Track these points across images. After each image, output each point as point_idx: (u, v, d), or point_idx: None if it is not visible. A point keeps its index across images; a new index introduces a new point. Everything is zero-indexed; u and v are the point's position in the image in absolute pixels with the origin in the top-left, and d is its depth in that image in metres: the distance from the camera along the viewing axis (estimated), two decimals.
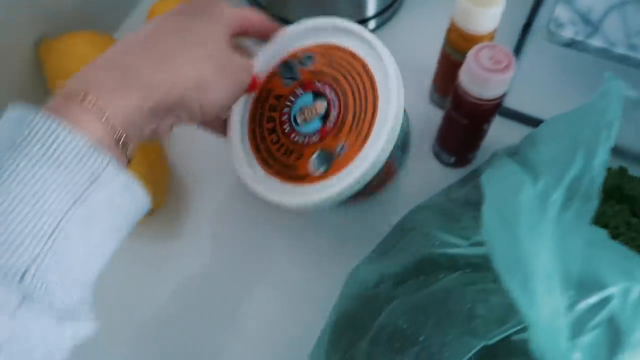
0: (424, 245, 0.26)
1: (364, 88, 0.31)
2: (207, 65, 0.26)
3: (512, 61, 0.32)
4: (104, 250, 0.21)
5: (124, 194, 0.21)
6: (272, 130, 0.33)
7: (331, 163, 0.30)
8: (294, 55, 0.33)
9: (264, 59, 0.34)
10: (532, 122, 0.42)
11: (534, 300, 0.18)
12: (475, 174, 0.36)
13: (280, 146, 0.32)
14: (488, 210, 0.22)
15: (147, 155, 0.38)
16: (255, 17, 0.32)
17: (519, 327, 0.20)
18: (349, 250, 0.35)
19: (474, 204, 0.31)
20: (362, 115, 0.30)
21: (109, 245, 0.21)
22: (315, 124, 0.31)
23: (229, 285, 0.38)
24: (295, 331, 0.35)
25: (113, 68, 0.23)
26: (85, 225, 0.19)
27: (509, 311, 0.21)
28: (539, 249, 0.18)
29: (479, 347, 0.20)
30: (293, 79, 0.33)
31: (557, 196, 0.20)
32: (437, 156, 0.41)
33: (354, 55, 0.32)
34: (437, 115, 0.44)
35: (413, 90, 0.46)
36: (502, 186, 0.23)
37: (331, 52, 0.33)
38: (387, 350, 0.24)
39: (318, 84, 0.32)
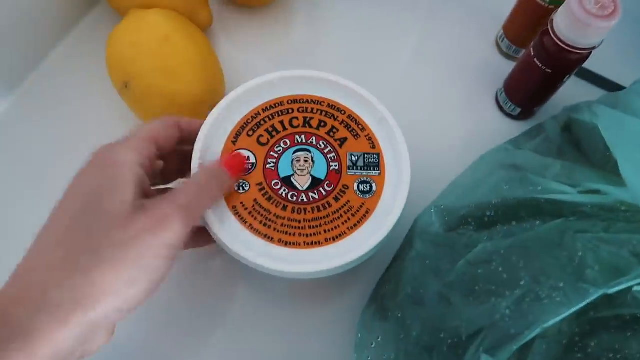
0: (520, 189, 0.25)
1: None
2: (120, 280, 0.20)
3: (619, 7, 0.29)
4: None
5: None
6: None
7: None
8: None
9: None
10: (599, 81, 0.41)
11: None
12: (541, 129, 0.35)
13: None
14: (624, 159, 0.20)
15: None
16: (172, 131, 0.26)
17: None
18: None
19: (553, 156, 0.30)
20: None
21: None
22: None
23: None
24: None
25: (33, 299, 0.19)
26: None
27: (628, 263, 0.20)
28: None
29: (598, 295, 0.19)
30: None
31: None
32: (501, 106, 0.40)
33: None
34: (501, 64, 0.42)
35: (478, 36, 0.44)
36: (629, 134, 0.21)
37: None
38: (477, 292, 0.23)
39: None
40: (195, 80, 0.34)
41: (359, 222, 0.27)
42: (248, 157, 0.29)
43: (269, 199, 0.28)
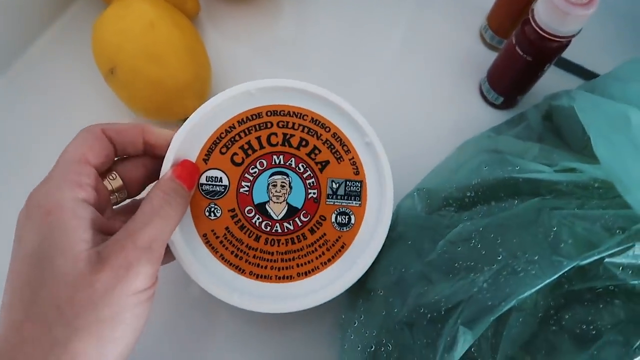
0: (499, 169, 0.25)
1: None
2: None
3: None
4: None
5: None
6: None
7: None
8: None
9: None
10: (579, 71, 0.42)
11: None
12: (523, 117, 0.35)
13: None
14: (597, 137, 0.21)
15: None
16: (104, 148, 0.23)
17: (612, 251, 0.20)
18: None
19: (533, 142, 0.31)
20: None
21: None
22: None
23: None
24: None
25: None
26: None
27: (600, 237, 0.21)
28: None
29: (570, 267, 0.20)
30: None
31: None
32: (485, 96, 0.40)
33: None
34: (485, 54, 0.43)
35: (463, 28, 0.45)
36: (603, 115, 0.22)
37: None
38: (456, 269, 0.24)
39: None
40: (180, 66, 0.34)
41: (333, 257, 0.26)
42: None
43: (242, 227, 0.26)
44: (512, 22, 0.39)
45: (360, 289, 0.29)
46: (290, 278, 0.26)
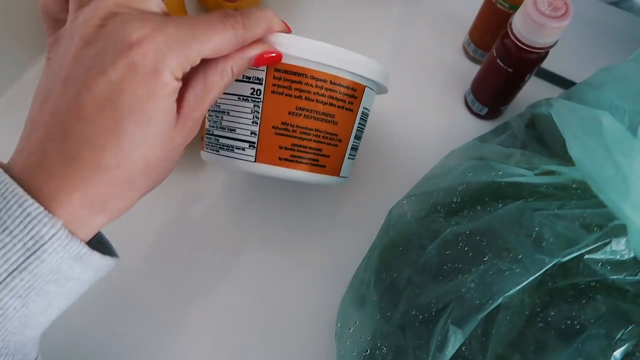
0: (483, 175, 0.27)
1: None
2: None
3: (570, 9, 0.32)
4: (50, 313, 0.20)
5: (73, 265, 0.19)
6: None
7: None
8: None
9: None
10: (559, 81, 0.43)
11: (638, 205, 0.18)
12: (507, 126, 0.37)
13: None
14: (572, 140, 0.22)
15: None
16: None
17: (591, 247, 0.21)
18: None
19: (516, 148, 0.32)
20: None
21: (57, 309, 0.20)
22: None
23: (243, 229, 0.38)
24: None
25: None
26: (26, 294, 0.18)
27: (579, 234, 0.22)
28: (637, 164, 0.19)
29: (552, 264, 0.21)
30: None
31: None
32: (469, 107, 0.42)
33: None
34: (468, 67, 0.44)
35: (446, 41, 0.46)
36: (577, 119, 0.23)
37: None
38: (445, 272, 0.24)
39: None
40: None
41: None
42: None
43: None
44: (493, 35, 0.41)
45: (355, 296, 0.30)
46: None
